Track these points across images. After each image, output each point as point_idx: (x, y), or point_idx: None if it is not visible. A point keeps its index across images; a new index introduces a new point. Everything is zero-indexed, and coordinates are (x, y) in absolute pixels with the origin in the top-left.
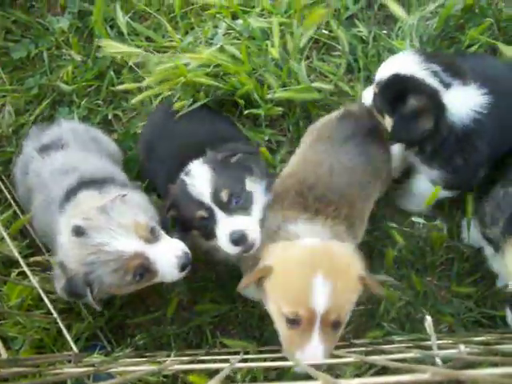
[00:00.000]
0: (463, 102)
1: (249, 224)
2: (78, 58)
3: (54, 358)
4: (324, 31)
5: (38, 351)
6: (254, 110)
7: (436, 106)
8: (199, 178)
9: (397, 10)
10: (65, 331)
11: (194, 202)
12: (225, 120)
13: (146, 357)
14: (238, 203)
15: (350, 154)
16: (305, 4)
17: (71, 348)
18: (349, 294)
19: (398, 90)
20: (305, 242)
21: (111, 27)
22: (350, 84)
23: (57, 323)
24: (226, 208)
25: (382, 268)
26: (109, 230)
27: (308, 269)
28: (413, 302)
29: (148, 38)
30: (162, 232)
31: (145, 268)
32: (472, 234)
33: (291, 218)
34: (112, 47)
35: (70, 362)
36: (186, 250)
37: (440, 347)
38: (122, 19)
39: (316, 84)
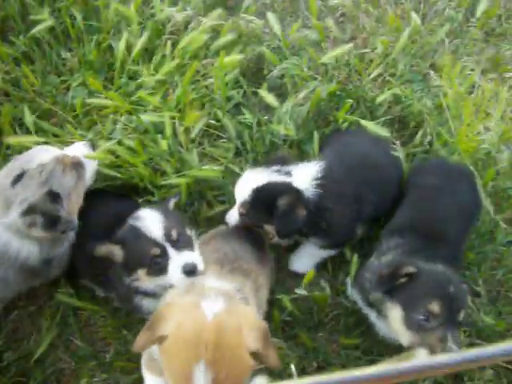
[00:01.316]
0: (304, 179)
1: (196, 257)
2: None
3: None
4: (211, 121)
5: None
6: (150, 197)
7: (297, 193)
8: (152, 221)
9: (271, 99)
10: None
11: (147, 242)
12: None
13: None
14: (184, 241)
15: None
16: (192, 98)
17: None
18: (238, 377)
19: (263, 201)
20: (203, 309)
21: (20, 126)
22: (240, 165)
23: None
24: (176, 245)
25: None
26: None
27: (192, 354)
28: (305, 357)
29: (55, 135)
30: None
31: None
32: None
33: (208, 273)
34: (20, 141)
35: None
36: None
37: None
38: (29, 118)
39: (207, 167)
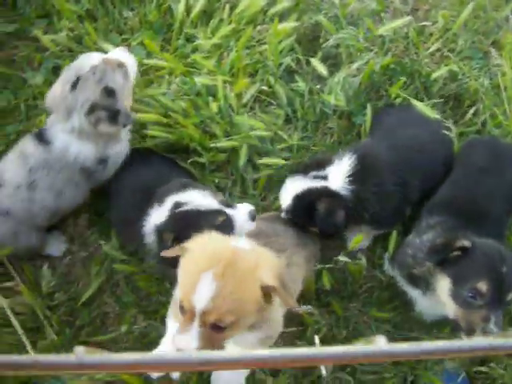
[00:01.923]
0: (338, 179)
1: (247, 204)
2: None
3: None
4: (264, 87)
5: None
6: (197, 158)
7: (334, 196)
8: (201, 197)
9: (321, 69)
10: (29, 347)
11: (209, 215)
12: (175, 165)
13: None
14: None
15: None
16: (246, 63)
17: None
18: (241, 301)
19: (304, 207)
20: (228, 240)
21: None
22: (288, 133)
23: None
24: (228, 205)
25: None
26: None
27: (204, 263)
28: (335, 325)
29: None
30: None
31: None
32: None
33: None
34: None
35: None
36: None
37: None
38: None
39: (256, 132)
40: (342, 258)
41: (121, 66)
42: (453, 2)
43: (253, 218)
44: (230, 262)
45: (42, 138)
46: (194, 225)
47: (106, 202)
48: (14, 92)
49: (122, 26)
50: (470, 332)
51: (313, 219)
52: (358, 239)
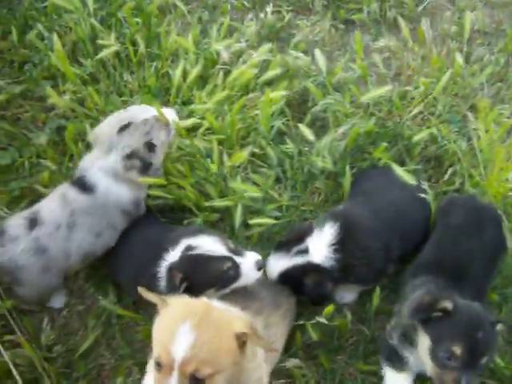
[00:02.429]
0: (321, 250)
1: (255, 253)
2: (53, 166)
3: None
4: (255, 150)
5: None
6: (194, 218)
7: (319, 270)
8: (211, 243)
9: (308, 134)
10: None
11: (218, 260)
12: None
13: None
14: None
15: None
16: (239, 127)
17: None
18: (218, 351)
19: (291, 282)
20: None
21: (83, 140)
22: (278, 192)
23: None
24: (237, 253)
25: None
26: None
27: (180, 316)
28: (322, 377)
29: None
30: None
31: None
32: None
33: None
34: None
35: None
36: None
37: None
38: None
39: (249, 194)
40: (320, 319)
41: (167, 125)
42: (434, 68)
43: (260, 267)
44: (205, 313)
45: (84, 187)
46: (202, 267)
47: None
48: (18, 149)
49: (122, 88)
50: None
51: (301, 291)
52: (329, 309)
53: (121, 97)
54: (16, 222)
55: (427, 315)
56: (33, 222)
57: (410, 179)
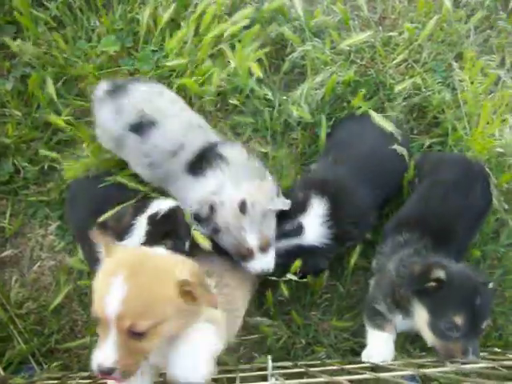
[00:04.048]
0: (316, 230)
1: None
2: (18, 116)
3: None
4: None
5: None
6: None
7: (315, 252)
8: None
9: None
10: None
11: None
12: None
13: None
14: None
15: None
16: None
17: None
18: (155, 302)
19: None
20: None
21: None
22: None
23: None
24: None
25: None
26: None
27: (114, 268)
28: (296, 334)
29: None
30: None
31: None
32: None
33: None
34: None
35: None
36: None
37: None
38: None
39: None
40: (290, 276)
41: None
42: (420, 13)
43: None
44: (140, 263)
45: None
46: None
47: None
48: None
49: (90, 33)
50: (450, 358)
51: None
52: (296, 265)
53: (89, 42)
54: None
55: (421, 287)
56: None
57: (388, 126)
